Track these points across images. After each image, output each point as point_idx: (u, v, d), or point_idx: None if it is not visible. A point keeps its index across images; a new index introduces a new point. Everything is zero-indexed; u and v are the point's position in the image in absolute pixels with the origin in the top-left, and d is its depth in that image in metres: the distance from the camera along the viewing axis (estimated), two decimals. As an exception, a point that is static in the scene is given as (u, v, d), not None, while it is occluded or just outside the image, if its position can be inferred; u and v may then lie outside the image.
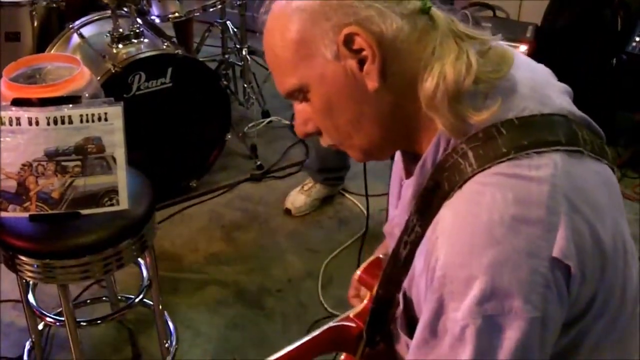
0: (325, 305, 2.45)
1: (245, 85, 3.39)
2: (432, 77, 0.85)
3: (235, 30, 3.42)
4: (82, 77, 1.81)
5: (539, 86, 0.91)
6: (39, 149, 1.62)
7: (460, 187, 0.84)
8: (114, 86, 2.50)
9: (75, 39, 2.79)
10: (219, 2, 2.98)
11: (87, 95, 1.76)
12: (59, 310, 1.98)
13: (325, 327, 1.20)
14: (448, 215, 0.84)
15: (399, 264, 0.94)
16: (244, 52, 3.34)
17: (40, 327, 2.14)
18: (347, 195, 3.00)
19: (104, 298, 2.37)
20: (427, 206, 0.88)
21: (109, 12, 2.68)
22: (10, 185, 1.64)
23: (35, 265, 1.69)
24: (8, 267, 1.76)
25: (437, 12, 0.89)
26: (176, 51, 2.70)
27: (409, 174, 0.99)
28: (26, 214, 1.66)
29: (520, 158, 0.83)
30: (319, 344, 1.19)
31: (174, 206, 2.93)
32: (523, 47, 3.02)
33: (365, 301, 1.24)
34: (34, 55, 2.55)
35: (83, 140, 1.62)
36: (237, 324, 2.40)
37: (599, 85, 3.02)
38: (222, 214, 2.93)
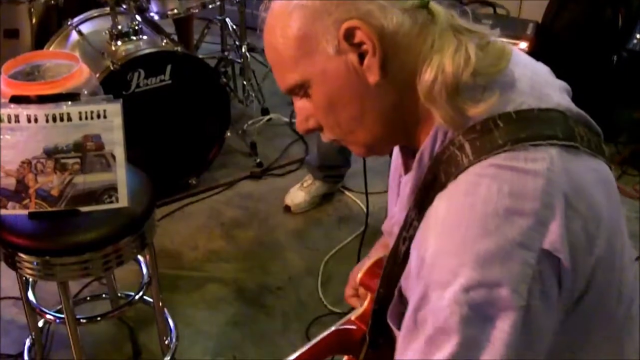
0: (325, 303, 2.44)
1: (245, 83, 3.39)
2: (431, 70, 0.86)
3: (234, 27, 3.41)
4: (81, 74, 1.81)
5: (537, 83, 0.92)
6: (38, 146, 1.62)
7: (455, 178, 0.84)
8: (113, 83, 2.50)
9: (74, 36, 2.78)
10: (218, -1, 2.98)
11: (86, 92, 1.76)
12: (58, 308, 1.98)
13: (328, 331, 1.20)
14: (442, 206, 0.85)
15: (399, 260, 0.94)
16: (243, 49, 3.33)
17: (40, 324, 2.14)
18: (346, 192, 3.00)
19: (103, 295, 2.37)
20: (425, 200, 0.88)
21: (108, 9, 2.68)
22: (10, 182, 1.63)
23: (35, 263, 1.69)
24: (8, 264, 1.76)
25: (436, 6, 0.89)
26: (175, 48, 2.70)
27: (407, 169, 0.99)
28: (25, 212, 1.66)
29: (517, 150, 0.83)
30: (323, 348, 1.19)
31: (174, 203, 2.93)
32: (523, 45, 3.01)
33: (366, 303, 1.24)
34: (32, 52, 2.54)
35: (82, 138, 1.62)
36: (237, 321, 2.40)
37: (599, 82, 3.02)
38: (222, 212, 2.93)
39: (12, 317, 2.38)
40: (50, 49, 2.74)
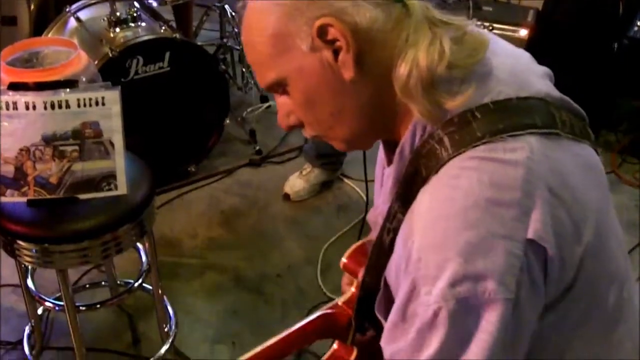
0: (325, 291, 2.45)
1: (244, 70, 3.38)
2: (406, 64, 0.86)
3: (233, 14, 3.39)
4: (79, 61, 1.79)
5: (517, 71, 0.92)
6: (37, 133, 1.61)
7: (436, 172, 0.85)
8: (111, 70, 2.49)
9: (73, 22, 2.77)
10: (217, -15, 2.97)
11: (84, 79, 1.75)
12: (58, 295, 1.98)
13: (315, 315, 1.21)
14: (425, 200, 0.85)
15: (384, 251, 0.95)
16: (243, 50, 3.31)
17: (39, 311, 2.14)
18: (346, 180, 3.00)
19: (103, 283, 2.37)
20: (407, 193, 0.89)
21: (107, -5, 2.67)
22: (8, 170, 1.63)
23: (34, 250, 1.69)
24: (7, 252, 1.76)
25: None
26: (174, 35, 2.68)
27: (389, 162, 1.00)
28: (24, 199, 1.66)
29: (496, 141, 0.83)
30: (310, 332, 1.20)
31: (173, 191, 2.92)
32: (523, 32, 3.01)
33: (353, 289, 1.25)
34: (30, 39, 2.53)
35: (81, 125, 1.61)
36: (237, 309, 2.40)
37: (599, 70, 3.01)
38: (221, 199, 2.92)
39: (12, 304, 2.38)
40: (49, 35, 2.72)
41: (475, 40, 0.90)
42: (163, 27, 2.74)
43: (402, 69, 0.86)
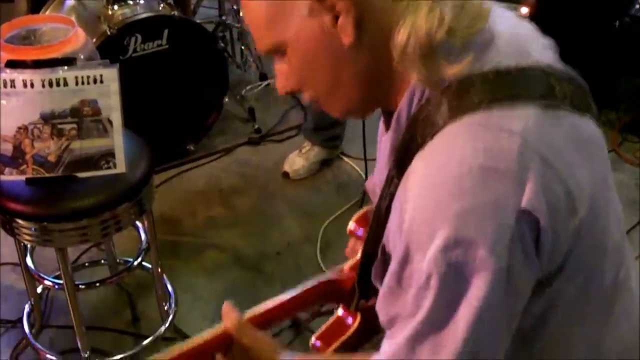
0: (324, 269, 2.45)
1: (243, 48, 3.36)
2: (405, 30, 0.85)
3: (232, -9, 3.37)
4: (77, 38, 1.78)
5: (518, 42, 0.91)
6: (35, 111, 1.60)
7: (432, 137, 0.84)
8: (109, 48, 2.47)
9: (70, 0, 2.74)
10: (216, -38, 2.94)
11: (82, 57, 1.74)
12: (57, 274, 1.98)
13: (321, 279, 1.22)
14: (419, 166, 0.85)
15: (381, 218, 0.95)
16: (241, 14, 3.29)
17: (39, 290, 2.15)
18: (345, 159, 2.99)
19: (102, 261, 2.37)
20: (404, 159, 0.88)
21: (104, -28, 2.64)
22: (6, 148, 1.62)
23: (33, 229, 1.69)
24: (6, 230, 1.76)
25: None
26: (172, 13, 2.67)
27: (387, 128, 0.99)
28: (23, 177, 1.65)
29: (493, 110, 0.82)
30: (313, 296, 1.21)
31: (172, 169, 2.92)
32: (524, 9, 2.98)
33: (359, 254, 1.25)
34: (28, 16, 2.51)
35: (79, 103, 1.61)
36: (236, 287, 2.41)
37: (601, 48, 2.99)
38: (221, 178, 2.92)
39: (11, 283, 2.39)
40: (47, 13, 2.70)
41: (476, 10, 0.88)
42: (161, 5, 2.72)
43: (401, 35, 0.85)
